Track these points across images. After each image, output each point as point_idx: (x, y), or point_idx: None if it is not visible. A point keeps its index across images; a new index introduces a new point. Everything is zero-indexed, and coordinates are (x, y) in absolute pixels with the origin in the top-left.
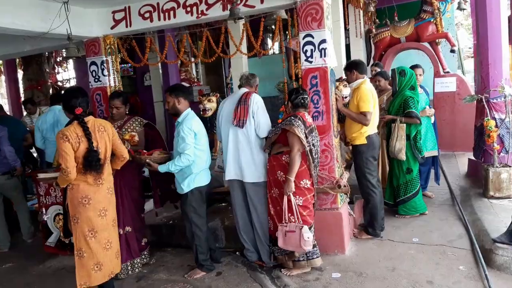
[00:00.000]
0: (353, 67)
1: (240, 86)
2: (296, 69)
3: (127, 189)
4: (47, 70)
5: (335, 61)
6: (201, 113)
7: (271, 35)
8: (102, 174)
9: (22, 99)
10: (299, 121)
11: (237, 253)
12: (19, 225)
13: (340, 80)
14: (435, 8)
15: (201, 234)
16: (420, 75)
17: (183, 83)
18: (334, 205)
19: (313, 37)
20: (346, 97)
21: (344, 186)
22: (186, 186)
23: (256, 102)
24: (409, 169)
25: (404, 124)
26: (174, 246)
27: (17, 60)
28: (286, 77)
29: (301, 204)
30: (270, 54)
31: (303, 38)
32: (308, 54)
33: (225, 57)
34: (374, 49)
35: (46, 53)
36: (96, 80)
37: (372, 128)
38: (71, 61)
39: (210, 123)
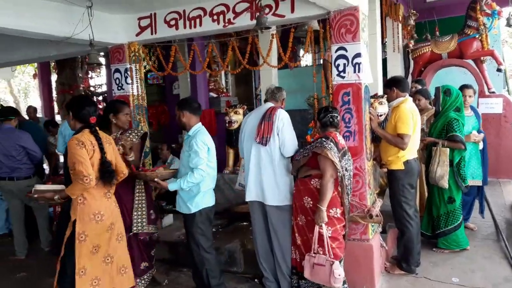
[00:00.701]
0: (393, 84)
1: (266, 100)
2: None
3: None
4: (80, 75)
5: (370, 77)
6: (227, 125)
7: (303, 46)
8: (112, 186)
9: (55, 102)
10: (331, 143)
11: (256, 280)
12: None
13: (375, 96)
14: (481, 24)
15: (210, 257)
16: (470, 96)
17: (211, 94)
18: (365, 236)
19: (346, 51)
20: (381, 115)
21: (377, 216)
22: (194, 206)
23: (282, 118)
24: (451, 198)
25: (447, 149)
26: (191, 267)
27: (52, 64)
28: (315, 91)
29: (330, 235)
30: (302, 66)
31: (336, 51)
32: (341, 68)
33: (254, 68)
34: (413, 64)
35: (80, 57)
36: (119, 88)
37: (411, 152)
38: (104, 67)
39: (235, 136)
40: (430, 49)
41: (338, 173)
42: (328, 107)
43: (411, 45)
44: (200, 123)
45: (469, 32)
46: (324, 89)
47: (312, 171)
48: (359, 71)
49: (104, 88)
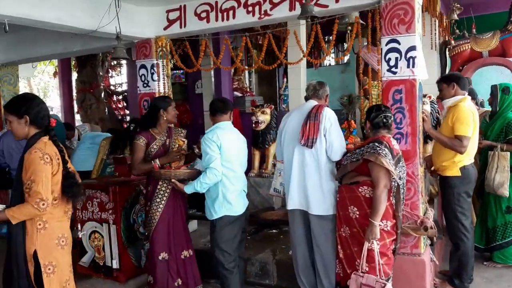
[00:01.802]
0: (454, 80)
1: (307, 98)
2: (364, 82)
3: (183, 203)
4: (101, 73)
5: (425, 73)
6: (253, 125)
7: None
8: (72, 203)
9: (74, 101)
10: (386, 149)
11: None
12: None
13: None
14: None
15: (229, 276)
16: None
17: (235, 93)
18: (416, 250)
19: (399, 43)
20: None
21: (431, 227)
22: (214, 211)
23: (329, 118)
24: (510, 208)
25: (507, 153)
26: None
27: (72, 62)
28: (342, 90)
29: (378, 250)
30: (326, 65)
31: (386, 44)
32: (392, 63)
33: (288, 63)
34: (450, 63)
35: (101, 56)
36: (145, 85)
37: (468, 157)
38: (124, 66)
39: (262, 138)
40: (470, 47)
41: (393, 183)
42: (380, 105)
43: (453, 42)
44: (223, 122)
45: None
46: (358, 88)
47: (360, 177)
48: (413, 66)
49: (124, 87)
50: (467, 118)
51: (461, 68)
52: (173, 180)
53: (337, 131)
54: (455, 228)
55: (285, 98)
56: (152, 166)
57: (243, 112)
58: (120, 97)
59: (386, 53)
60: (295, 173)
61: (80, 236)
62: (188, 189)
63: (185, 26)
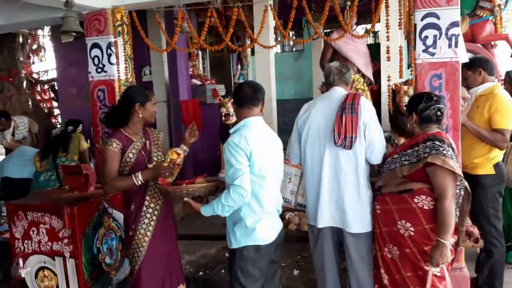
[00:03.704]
0: (480, 65)
1: (330, 84)
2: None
3: (172, 220)
4: (21, 59)
5: (465, 55)
6: (223, 118)
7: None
8: None
9: None
10: (450, 149)
11: None
12: None
13: (407, 83)
14: (495, 5)
15: None
16: None
17: (194, 81)
18: (458, 263)
19: (438, 18)
20: None
21: (478, 239)
22: (235, 239)
23: (368, 110)
24: None
25: None
26: None
27: None
28: (308, 79)
29: (438, 274)
30: (277, 52)
31: (422, 19)
32: (429, 42)
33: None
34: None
35: (21, 39)
36: (99, 69)
37: (501, 152)
38: (49, 49)
39: None
40: None
41: (457, 190)
42: (431, 94)
43: None
44: (252, 118)
45: (481, 14)
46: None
47: (415, 184)
48: (455, 46)
49: (51, 75)
50: (508, 109)
51: None
52: (186, 199)
53: (378, 126)
54: (487, 234)
55: None
56: (131, 181)
57: (203, 102)
58: (46, 86)
59: (422, 30)
60: (325, 181)
61: (22, 275)
62: (206, 211)
63: None
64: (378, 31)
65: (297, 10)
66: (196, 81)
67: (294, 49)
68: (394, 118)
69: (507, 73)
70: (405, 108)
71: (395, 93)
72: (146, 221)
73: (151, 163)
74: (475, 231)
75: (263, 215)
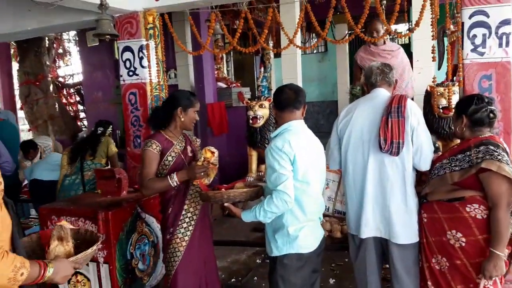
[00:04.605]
0: None
1: (372, 85)
2: None
3: (209, 224)
4: (47, 63)
5: None
6: (251, 121)
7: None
8: None
9: (17, 96)
10: (505, 154)
11: None
12: None
13: (443, 84)
14: None
15: None
16: None
17: (219, 84)
18: (510, 275)
19: (488, 16)
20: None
21: None
22: (276, 246)
23: (415, 113)
24: None
25: None
26: None
27: (12, 50)
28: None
29: (490, 287)
30: (314, 51)
31: (470, 17)
32: (478, 41)
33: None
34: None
35: (47, 43)
36: (130, 73)
37: None
38: (74, 53)
39: (260, 135)
40: None
41: None
42: (482, 96)
43: (452, 27)
44: (295, 121)
45: None
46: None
47: (466, 192)
48: (506, 45)
49: (77, 79)
50: None
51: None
52: (226, 204)
53: (426, 130)
54: None
55: (263, 89)
56: (166, 182)
57: (229, 105)
58: (72, 90)
59: (470, 28)
60: (370, 189)
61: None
62: (247, 216)
63: None
64: (402, 31)
65: (322, 10)
66: (222, 84)
67: (316, 51)
68: (430, 121)
69: None
70: (440, 110)
71: (429, 95)
72: (185, 225)
73: None
74: None
75: (306, 222)
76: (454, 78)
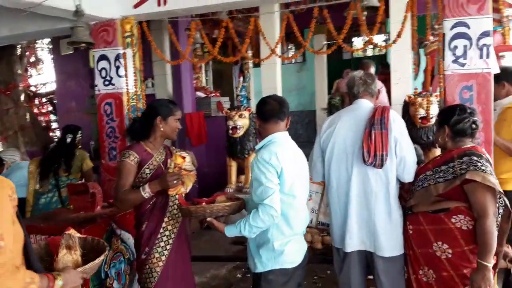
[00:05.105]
0: (504, 77)
1: (354, 96)
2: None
3: (187, 242)
4: (19, 71)
5: (496, 66)
6: (230, 132)
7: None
8: None
9: None
10: (488, 165)
11: None
12: None
13: (421, 94)
14: (503, 16)
15: None
16: None
17: (198, 93)
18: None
19: (468, 27)
20: (432, 118)
21: None
22: (260, 262)
23: (399, 124)
24: None
25: None
26: None
27: None
28: (311, 90)
29: None
30: (292, 61)
31: (451, 28)
32: (459, 52)
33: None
34: (425, 61)
35: (19, 51)
36: (106, 82)
37: None
38: (47, 61)
39: (240, 146)
40: None
41: (499, 209)
42: (464, 106)
43: (431, 38)
44: (279, 133)
45: None
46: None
47: (451, 203)
48: (487, 56)
49: (49, 88)
50: None
51: (434, 66)
52: (208, 219)
53: (409, 141)
54: None
55: (242, 99)
56: (139, 194)
57: (208, 115)
58: (44, 99)
59: (451, 39)
60: (354, 202)
61: None
62: (231, 231)
63: (165, 3)
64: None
65: (300, 21)
66: (200, 94)
67: (294, 61)
68: (408, 131)
69: None
70: (419, 120)
71: (407, 105)
72: (162, 244)
73: None
74: (509, 250)
75: (292, 236)
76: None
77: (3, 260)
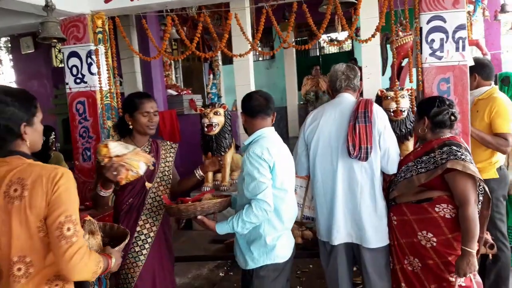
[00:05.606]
0: (474, 70)
1: (336, 91)
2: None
3: (168, 246)
4: None
5: (471, 59)
6: (206, 129)
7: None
8: None
9: None
10: (468, 154)
11: None
12: None
13: (391, 89)
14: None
15: None
16: None
17: (170, 91)
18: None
19: (444, 21)
20: (403, 111)
21: (492, 245)
22: (251, 258)
23: (382, 117)
24: None
25: None
26: None
27: None
28: (281, 87)
29: (463, 284)
30: (263, 58)
31: (428, 22)
32: (436, 45)
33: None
34: (392, 56)
35: None
36: (78, 80)
37: (503, 156)
38: (6, 62)
39: (216, 143)
40: (411, 39)
41: (479, 197)
42: (443, 98)
43: (400, 33)
44: (267, 129)
45: None
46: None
47: (434, 192)
48: (463, 49)
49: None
50: (508, 112)
51: (402, 61)
52: (199, 217)
53: (392, 134)
54: (494, 239)
55: (213, 96)
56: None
57: (180, 113)
58: None
59: (428, 33)
60: (340, 195)
61: None
62: (223, 229)
63: None
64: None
65: (268, 19)
66: (172, 92)
67: (262, 58)
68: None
69: None
70: (392, 114)
71: (380, 99)
72: (137, 248)
73: (154, 179)
74: (488, 237)
75: (283, 231)
76: (398, 82)
77: (82, 243)
